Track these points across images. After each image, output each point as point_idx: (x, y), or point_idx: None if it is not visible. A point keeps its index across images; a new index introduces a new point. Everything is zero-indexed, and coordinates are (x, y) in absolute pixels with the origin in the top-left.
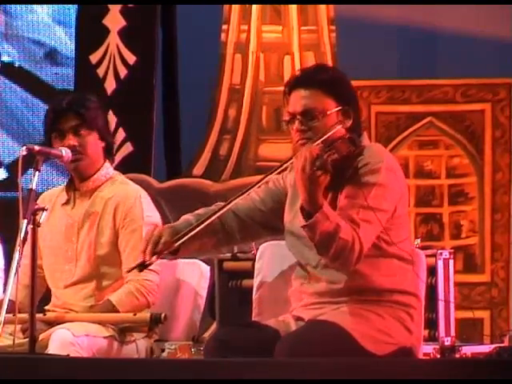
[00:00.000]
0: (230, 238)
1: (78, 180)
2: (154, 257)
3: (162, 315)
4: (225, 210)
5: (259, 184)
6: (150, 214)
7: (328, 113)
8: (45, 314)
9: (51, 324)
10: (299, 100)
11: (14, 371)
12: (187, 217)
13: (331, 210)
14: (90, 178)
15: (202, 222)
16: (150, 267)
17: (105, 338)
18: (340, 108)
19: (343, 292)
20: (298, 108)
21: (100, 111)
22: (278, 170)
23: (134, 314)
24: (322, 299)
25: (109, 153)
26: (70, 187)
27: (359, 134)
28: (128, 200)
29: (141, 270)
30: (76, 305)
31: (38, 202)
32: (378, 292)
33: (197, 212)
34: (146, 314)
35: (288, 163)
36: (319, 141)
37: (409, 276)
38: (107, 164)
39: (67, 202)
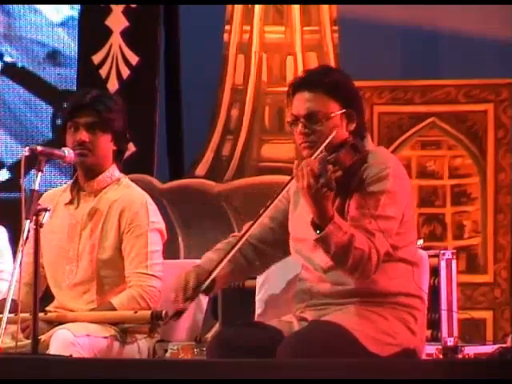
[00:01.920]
0: (252, 265)
1: (83, 179)
2: (188, 302)
3: (163, 312)
4: (243, 240)
5: (270, 206)
6: (156, 219)
7: (331, 116)
8: (45, 314)
9: (52, 323)
10: (303, 103)
11: (16, 371)
12: (209, 255)
13: (343, 220)
14: (95, 179)
15: (225, 257)
16: (153, 273)
17: (106, 338)
18: (344, 111)
19: (348, 294)
20: (301, 111)
21: (121, 114)
22: (285, 189)
23: (135, 312)
24: (326, 300)
25: (118, 157)
26: (75, 187)
27: (362, 137)
28: (134, 205)
29: (177, 319)
30: (77, 309)
31: (39, 201)
32: (383, 294)
33: (216, 248)
34: (146, 312)
35: (290, 183)
36: (318, 151)
37: (413, 278)
38: (114, 166)
39: (71, 202)
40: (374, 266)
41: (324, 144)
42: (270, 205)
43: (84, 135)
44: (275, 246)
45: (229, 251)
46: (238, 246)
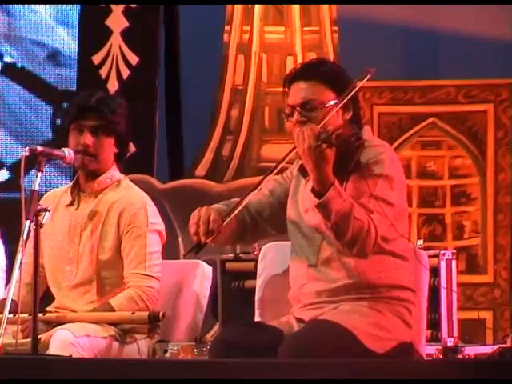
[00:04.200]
0: (246, 232)
1: (83, 180)
2: (209, 236)
3: (161, 313)
4: (252, 194)
5: (273, 173)
6: (155, 221)
7: (327, 104)
8: (44, 314)
9: (51, 324)
10: (298, 92)
11: (16, 371)
12: (218, 205)
13: (342, 189)
14: (96, 180)
15: (239, 204)
16: (152, 274)
17: (106, 338)
18: (340, 100)
19: (341, 290)
20: (297, 100)
21: (124, 117)
22: (283, 163)
23: (133, 313)
24: (320, 299)
25: (119, 159)
26: (75, 188)
27: (360, 127)
28: (133, 206)
29: (197, 252)
30: (78, 310)
31: (40, 202)
32: (375, 288)
33: (224, 202)
34: (144, 313)
35: (292, 153)
36: (322, 123)
37: (405, 272)
38: (114, 167)
39: (71, 203)
40: (372, 242)
41: (327, 118)
42: (273, 170)
43: (88, 138)
44: (269, 221)
45: (239, 202)
46: (248, 198)
